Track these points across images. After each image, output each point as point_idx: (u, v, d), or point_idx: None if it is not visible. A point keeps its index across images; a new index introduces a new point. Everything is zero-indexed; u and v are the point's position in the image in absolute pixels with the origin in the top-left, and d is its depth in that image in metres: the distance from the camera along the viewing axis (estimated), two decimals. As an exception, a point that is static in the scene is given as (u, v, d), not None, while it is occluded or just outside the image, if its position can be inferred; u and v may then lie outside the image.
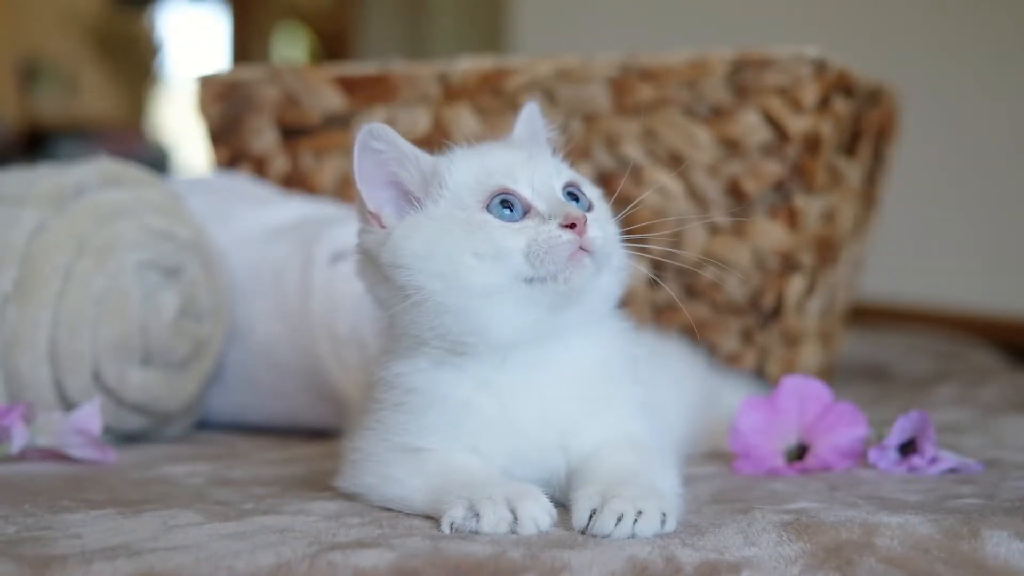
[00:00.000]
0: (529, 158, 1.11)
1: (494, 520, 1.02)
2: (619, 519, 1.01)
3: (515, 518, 1.02)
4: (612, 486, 1.04)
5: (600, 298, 1.13)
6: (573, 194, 1.12)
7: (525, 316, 1.08)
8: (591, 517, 1.02)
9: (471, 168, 1.11)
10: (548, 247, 1.06)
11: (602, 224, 1.10)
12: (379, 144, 1.10)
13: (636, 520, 1.01)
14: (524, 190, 1.09)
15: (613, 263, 1.12)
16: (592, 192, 1.16)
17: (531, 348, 1.11)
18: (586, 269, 1.07)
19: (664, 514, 1.02)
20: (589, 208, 1.12)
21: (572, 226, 1.06)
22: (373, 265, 1.12)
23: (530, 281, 1.07)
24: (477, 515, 1.03)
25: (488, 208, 1.08)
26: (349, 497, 1.18)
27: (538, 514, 1.03)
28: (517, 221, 1.08)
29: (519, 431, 1.12)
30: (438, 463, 1.11)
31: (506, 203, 1.09)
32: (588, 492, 1.05)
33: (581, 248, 1.06)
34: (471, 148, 1.15)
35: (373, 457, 1.15)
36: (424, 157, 1.12)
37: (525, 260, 1.06)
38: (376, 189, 1.11)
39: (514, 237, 1.07)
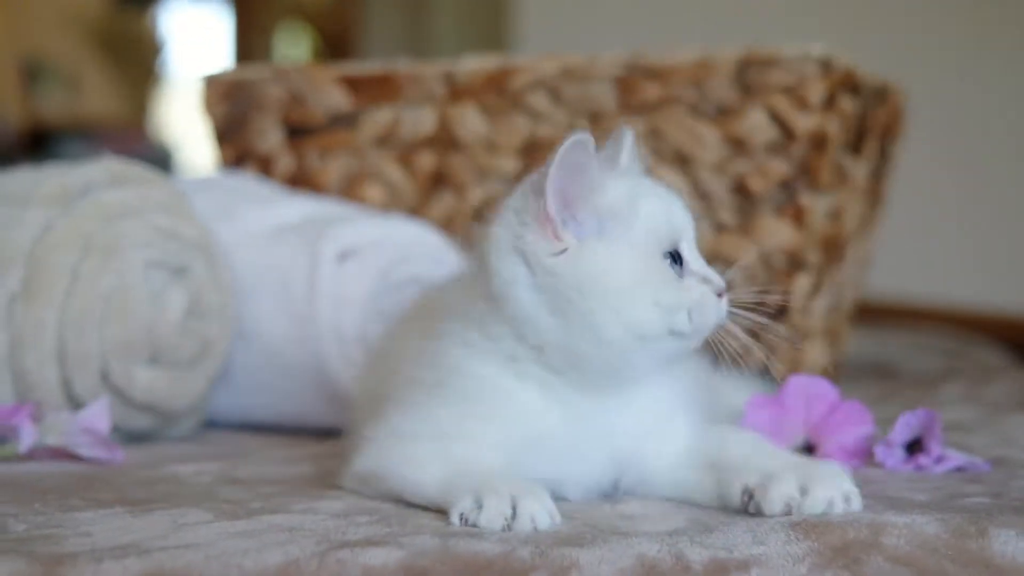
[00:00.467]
0: (691, 219, 1.15)
1: (493, 514, 1.03)
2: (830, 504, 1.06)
3: (514, 515, 1.03)
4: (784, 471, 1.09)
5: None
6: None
7: (656, 364, 1.14)
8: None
9: (661, 214, 1.12)
10: (708, 312, 1.11)
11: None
12: (585, 158, 1.09)
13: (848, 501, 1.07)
14: (686, 250, 1.13)
15: None
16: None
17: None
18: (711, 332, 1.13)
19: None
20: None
21: (719, 294, 1.12)
22: (524, 266, 1.11)
23: (678, 335, 1.11)
24: (480, 508, 1.04)
25: (665, 254, 1.11)
26: (356, 490, 1.19)
27: (537, 512, 1.04)
28: (681, 279, 1.11)
29: (572, 444, 1.14)
30: (462, 453, 1.12)
31: (674, 259, 1.12)
32: (780, 487, 1.08)
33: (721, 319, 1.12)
34: (650, 186, 1.15)
35: (398, 436, 1.16)
36: (625, 185, 1.12)
37: (688, 318, 1.10)
38: (563, 199, 1.09)
39: (687, 294, 1.11)
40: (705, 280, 1.12)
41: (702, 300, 1.11)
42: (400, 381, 1.21)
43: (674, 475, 1.17)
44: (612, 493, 1.18)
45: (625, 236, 1.10)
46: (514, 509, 1.03)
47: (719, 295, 1.12)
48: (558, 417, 1.13)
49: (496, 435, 1.13)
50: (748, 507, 1.09)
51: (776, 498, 1.07)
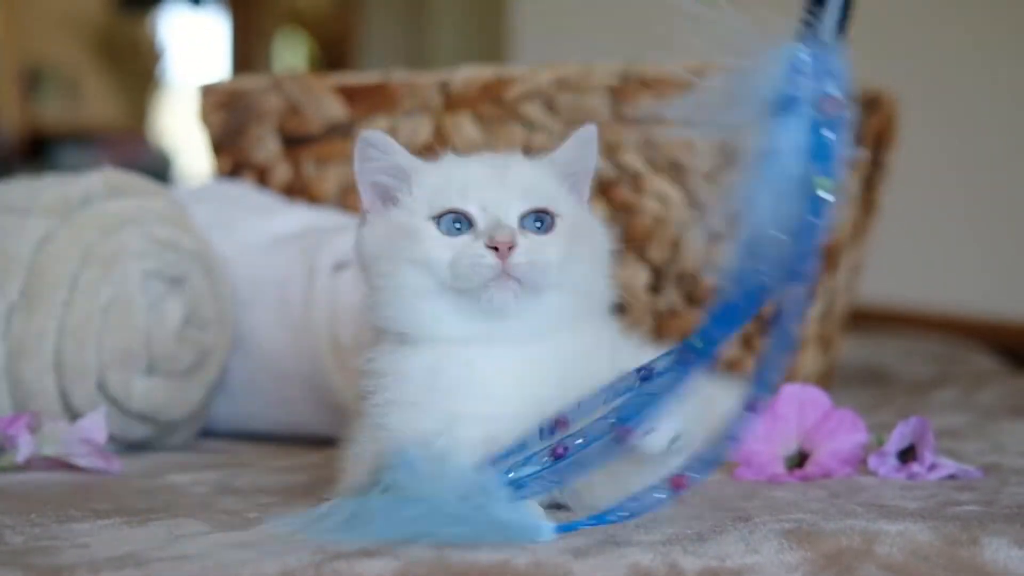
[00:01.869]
0: (490, 178, 1.16)
1: None
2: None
3: None
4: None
5: (549, 314, 1.15)
6: (539, 219, 1.15)
7: (457, 319, 1.14)
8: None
9: (434, 180, 1.17)
10: (470, 264, 1.11)
11: (540, 249, 1.13)
12: (372, 150, 1.18)
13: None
14: (473, 209, 1.14)
15: (555, 284, 1.14)
16: (573, 214, 1.18)
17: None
18: (508, 292, 1.11)
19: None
20: (547, 230, 1.15)
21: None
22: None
23: (458, 292, 1.13)
24: None
25: (439, 221, 1.14)
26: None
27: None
28: (455, 236, 1.14)
29: (491, 394, 1.14)
30: None
31: (457, 220, 1.14)
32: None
33: (505, 272, 1.11)
34: (453, 158, 1.21)
35: (362, 459, 1.17)
36: (405, 163, 1.18)
37: (449, 272, 1.12)
38: (366, 188, 1.19)
39: (443, 250, 1.13)
40: (484, 235, 1.11)
41: (464, 252, 1.11)
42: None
43: None
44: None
45: (401, 207, 1.17)
46: None
47: (494, 247, 1.10)
48: (463, 364, 1.14)
49: (426, 401, 1.15)
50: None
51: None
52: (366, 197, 1.20)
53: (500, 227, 1.12)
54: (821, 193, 1.02)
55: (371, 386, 1.18)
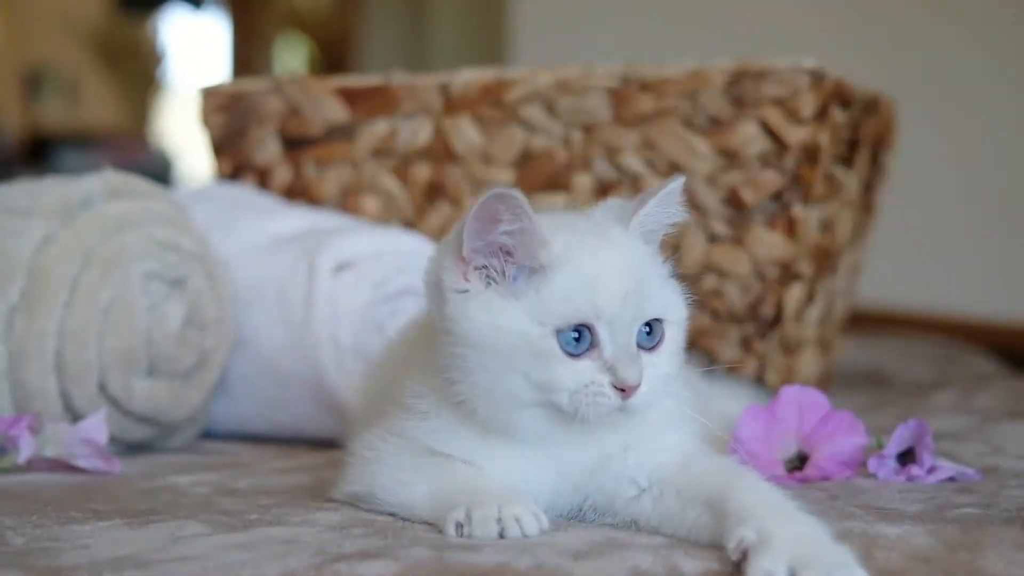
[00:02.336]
0: (623, 296, 1.08)
1: (484, 523, 1.05)
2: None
3: (502, 522, 1.05)
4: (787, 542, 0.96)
5: (642, 422, 1.12)
6: (650, 327, 1.10)
7: (551, 430, 1.10)
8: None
9: (570, 281, 1.07)
10: (592, 400, 1.06)
11: (657, 373, 1.09)
12: (506, 214, 1.06)
13: None
14: (602, 328, 1.07)
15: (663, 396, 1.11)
16: (675, 308, 1.13)
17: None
18: (610, 414, 1.08)
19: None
20: (658, 343, 1.11)
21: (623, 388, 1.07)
22: (438, 294, 1.11)
23: (559, 410, 1.08)
24: (471, 519, 1.05)
25: (559, 332, 1.07)
26: (350, 503, 1.19)
27: (522, 516, 1.05)
28: (579, 356, 1.07)
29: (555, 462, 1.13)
30: (447, 470, 1.13)
31: (579, 334, 1.07)
32: (766, 560, 0.95)
33: (621, 409, 1.08)
34: (582, 242, 1.09)
35: (385, 459, 1.16)
36: (540, 236, 1.08)
37: (568, 400, 1.07)
38: (479, 244, 1.08)
39: (568, 377, 1.06)
40: (609, 370, 1.07)
41: (590, 388, 1.06)
42: (386, 404, 1.22)
43: (661, 505, 1.11)
44: (580, 515, 1.15)
45: (526, 298, 1.08)
46: (500, 517, 1.05)
47: (620, 388, 1.06)
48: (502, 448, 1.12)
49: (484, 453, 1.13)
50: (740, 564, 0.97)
51: (758, 570, 0.93)
52: (471, 248, 1.08)
53: (630, 363, 1.06)
54: None
55: (412, 421, 1.15)
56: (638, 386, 1.07)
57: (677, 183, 1.13)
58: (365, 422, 1.28)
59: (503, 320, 1.07)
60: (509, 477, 1.12)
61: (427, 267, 1.14)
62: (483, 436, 1.12)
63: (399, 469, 1.15)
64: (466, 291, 1.09)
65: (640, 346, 1.09)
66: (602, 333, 1.07)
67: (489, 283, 1.09)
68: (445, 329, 1.10)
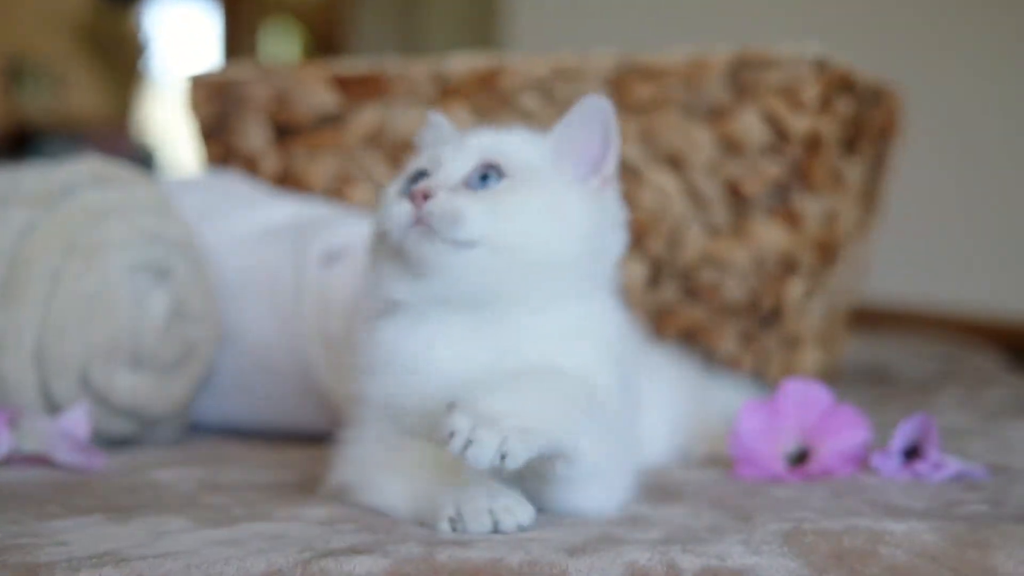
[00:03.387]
0: (456, 141, 1.16)
1: (476, 516, 1.03)
2: (451, 435, 0.98)
3: (494, 514, 1.03)
4: (483, 397, 1.01)
5: (479, 273, 1.10)
6: (484, 176, 1.12)
7: (399, 282, 1.13)
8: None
9: (424, 148, 1.21)
10: (387, 213, 1.11)
11: (459, 199, 1.09)
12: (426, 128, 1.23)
13: (467, 447, 0.98)
14: (428, 167, 1.14)
15: (479, 238, 1.09)
16: (532, 174, 1.13)
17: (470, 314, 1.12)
18: (424, 242, 1.09)
19: (504, 453, 0.98)
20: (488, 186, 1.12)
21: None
22: None
23: (396, 250, 1.11)
24: (462, 515, 1.03)
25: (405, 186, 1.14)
26: (340, 500, 1.16)
27: (514, 507, 1.04)
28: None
29: (441, 369, 1.12)
30: (422, 465, 1.11)
31: (415, 181, 1.13)
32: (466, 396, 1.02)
33: (419, 220, 1.08)
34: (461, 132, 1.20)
35: (361, 454, 1.15)
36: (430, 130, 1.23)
37: (378, 226, 1.13)
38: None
39: (395, 211, 1.11)
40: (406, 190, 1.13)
41: (386, 203, 1.13)
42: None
43: None
44: None
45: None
46: (492, 512, 1.03)
47: (409, 197, 1.09)
48: (421, 343, 1.13)
49: (383, 372, 1.15)
50: None
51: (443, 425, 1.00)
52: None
53: (423, 181, 1.12)
54: None
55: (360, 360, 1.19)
56: (425, 194, 1.08)
57: (590, 100, 1.16)
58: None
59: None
60: (423, 366, 1.12)
61: None
62: (412, 328, 1.13)
63: (375, 467, 1.13)
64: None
65: (469, 187, 1.11)
66: (431, 172, 1.13)
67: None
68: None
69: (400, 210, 1.09)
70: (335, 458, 1.19)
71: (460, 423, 0.98)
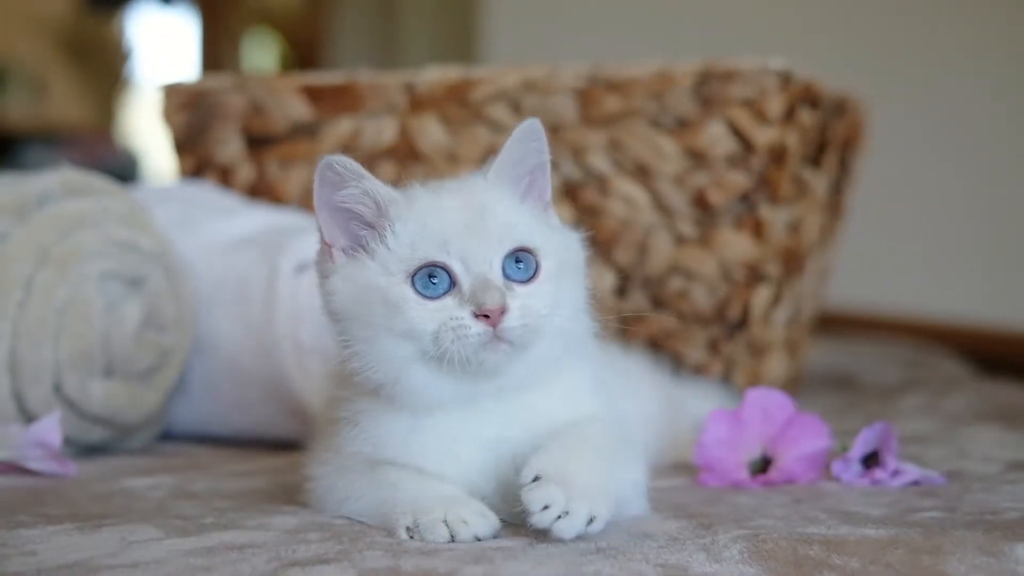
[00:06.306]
0: (467, 227, 1.07)
1: (431, 527, 1.04)
2: (544, 508, 1.00)
3: (449, 525, 1.05)
4: (557, 465, 1.03)
5: (539, 362, 1.09)
6: (520, 259, 1.08)
7: (442, 386, 1.08)
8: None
9: (412, 227, 1.08)
10: (456, 336, 1.04)
11: (532, 302, 1.06)
12: (337, 176, 1.08)
13: (560, 518, 1.00)
14: (454, 264, 1.06)
15: (550, 332, 1.08)
16: (552, 242, 1.11)
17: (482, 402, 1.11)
18: (501, 354, 1.05)
19: (593, 517, 1.01)
20: (533, 276, 1.08)
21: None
22: (319, 284, 1.13)
23: (439, 359, 1.05)
24: (418, 524, 1.05)
25: (413, 278, 1.06)
26: (311, 511, 1.18)
27: (469, 517, 1.05)
28: (437, 298, 1.06)
29: (461, 457, 1.11)
30: (390, 481, 1.12)
31: (433, 275, 1.06)
32: (531, 464, 1.04)
33: (496, 337, 1.04)
34: (426, 192, 1.11)
35: (332, 481, 1.16)
36: (381, 194, 1.09)
37: (433, 342, 1.05)
38: (333, 219, 1.10)
39: (426, 321, 1.05)
40: (469, 300, 1.05)
41: (449, 323, 1.04)
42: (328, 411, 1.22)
43: None
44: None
45: (376, 256, 1.08)
46: (447, 521, 1.05)
47: (483, 316, 1.04)
48: (443, 428, 1.11)
49: (404, 451, 1.12)
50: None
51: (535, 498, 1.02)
52: (328, 230, 1.10)
53: (487, 288, 1.04)
54: None
55: (344, 432, 1.14)
56: (502, 310, 1.04)
57: (528, 123, 1.12)
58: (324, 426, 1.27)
59: (360, 280, 1.08)
60: (445, 464, 1.10)
61: (315, 275, 1.15)
62: (411, 426, 1.11)
63: (345, 491, 1.14)
64: (332, 269, 1.10)
65: (510, 278, 1.07)
66: (456, 268, 1.06)
67: (351, 252, 1.10)
68: (326, 312, 1.11)
69: (471, 332, 1.03)
70: (312, 480, 1.18)
71: (555, 496, 1.00)
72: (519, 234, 1.09)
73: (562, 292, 1.10)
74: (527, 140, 1.12)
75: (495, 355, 1.05)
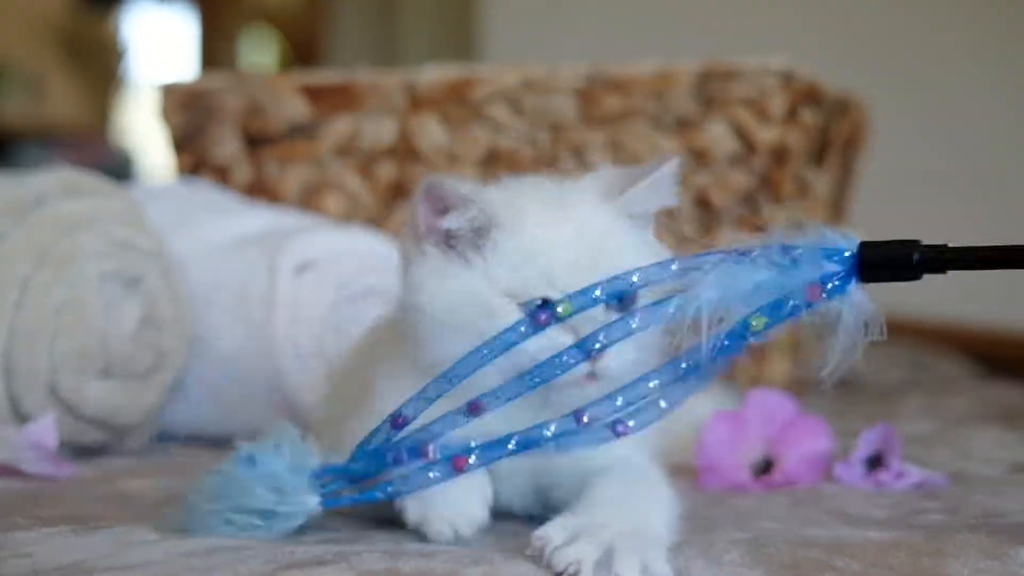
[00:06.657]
0: (577, 266, 1.02)
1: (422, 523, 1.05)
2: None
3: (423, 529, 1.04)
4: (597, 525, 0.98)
5: (607, 390, 1.04)
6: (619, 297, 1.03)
7: (509, 391, 1.02)
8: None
9: (517, 256, 1.03)
10: (557, 364, 0.99)
11: (627, 347, 1.02)
12: (440, 202, 1.03)
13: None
14: (559, 296, 1.01)
15: (633, 365, 1.04)
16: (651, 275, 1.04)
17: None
18: (591, 389, 1.02)
19: (645, 567, 0.95)
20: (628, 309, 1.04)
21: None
22: (402, 266, 1.08)
23: (527, 374, 1.01)
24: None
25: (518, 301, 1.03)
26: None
27: (454, 519, 1.04)
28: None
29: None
30: None
31: (542, 302, 1.02)
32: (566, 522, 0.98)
33: (592, 376, 1.02)
34: (534, 213, 1.05)
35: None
36: (489, 217, 1.03)
37: (531, 362, 1.00)
38: (434, 215, 1.04)
39: (529, 340, 1.00)
40: (574, 331, 1.01)
41: (548, 346, 1.00)
42: (343, 401, 1.21)
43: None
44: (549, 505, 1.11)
45: (473, 267, 1.04)
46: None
47: (586, 352, 0.99)
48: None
49: None
50: None
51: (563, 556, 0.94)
52: (431, 219, 1.03)
53: (590, 323, 1.00)
54: (751, 327, 1.00)
55: (379, 392, 1.10)
56: (605, 349, 1.00)
57: (671, 165, 1.07)
58: (326, 426, 1.26)
59: (455, 282, 1.03)
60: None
61: (400, 240, 1.10)
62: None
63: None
64: (422, 262, 1.05)
65: (607, 306, 1.03)
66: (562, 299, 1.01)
67: (446, 253, 1.05)
68: (405, 302, 1.07)
69: (571, 362, 0.98)
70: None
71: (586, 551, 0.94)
72: (628, 279, 1.01)
73: (653, 334, 1.05)
74: (670, 180, 1.08)
75: (585, 391, 1.02)
